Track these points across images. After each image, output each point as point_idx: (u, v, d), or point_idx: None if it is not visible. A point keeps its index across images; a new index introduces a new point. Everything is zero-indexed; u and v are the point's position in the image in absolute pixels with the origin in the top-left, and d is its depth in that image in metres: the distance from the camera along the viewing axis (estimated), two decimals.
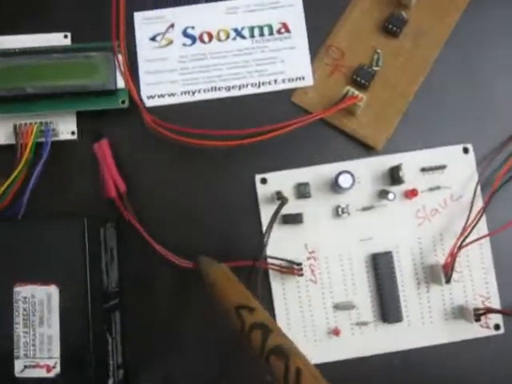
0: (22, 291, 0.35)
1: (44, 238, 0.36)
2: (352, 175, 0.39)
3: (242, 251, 0.40)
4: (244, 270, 0.38)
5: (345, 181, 0.39)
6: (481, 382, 0.41)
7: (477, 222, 0.39)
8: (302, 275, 0.40)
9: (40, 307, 0.35)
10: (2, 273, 0.35)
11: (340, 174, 0.39)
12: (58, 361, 0.35)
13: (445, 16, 0.42)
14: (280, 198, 0.39)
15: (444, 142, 0.42)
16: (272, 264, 0.39)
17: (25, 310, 0.35)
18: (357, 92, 0.39)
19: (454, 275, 0.40)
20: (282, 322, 0.41)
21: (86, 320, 0.35)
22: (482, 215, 0.40)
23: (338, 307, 0.41)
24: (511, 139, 0.42)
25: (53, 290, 0.35)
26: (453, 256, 0.39)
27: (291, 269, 0.39)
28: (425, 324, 0.41)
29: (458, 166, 0.42)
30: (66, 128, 0.42)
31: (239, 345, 0.30)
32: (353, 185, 0.39)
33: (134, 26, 0.43)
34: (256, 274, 0.37)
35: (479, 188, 0.41)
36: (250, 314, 0.30)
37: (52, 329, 0.35)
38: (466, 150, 0.42)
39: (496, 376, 0.40)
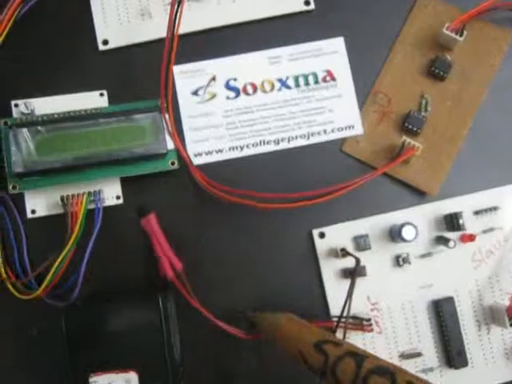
0: (99, 381, 0.33)
1: (118, 320, 0.34)
2: (415, 227, 0.39)
3: (305, 310, 0.39)
4: None
5: (408, 233, 0.39)
6: None
7: None
8: (371, 331, 0.39)
9: None
10: (76, 362, 0.33)
11: (403, 226, 0.39)
12: None
13: (488, 58, 0.42)
14: (345, 255, 0.38)
15: (495, 182, 0.42)
16: (343, 323, 0.39)
17: None
18: (413, 142, 0.39)
19: None
20: None
21: None
22: None
23: (403, 356, 0.41)
24: None
25: (131, 376, 0.34)
26: None
27: (361, 325, 0.39)
28: (488, 365, 0.41)
29: (510, 206, 0.42)
30: (111, 193, 0.40)
31: (320, 381, 0.30)
32: (416, 236, 0.39)
33: (173, 81, 0.41)
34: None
35: None
36: (336, 347, 0.29)
37: None
38: None
39: None
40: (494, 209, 0.42)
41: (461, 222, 0.40)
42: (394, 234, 0.39)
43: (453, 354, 0.41)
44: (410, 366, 0.41)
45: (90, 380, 0.34)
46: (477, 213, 0.42)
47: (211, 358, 0.40)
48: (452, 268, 0.41)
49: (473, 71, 0.42)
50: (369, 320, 0.39)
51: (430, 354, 0.41)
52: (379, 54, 0.43)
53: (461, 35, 0.41)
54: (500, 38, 0.43)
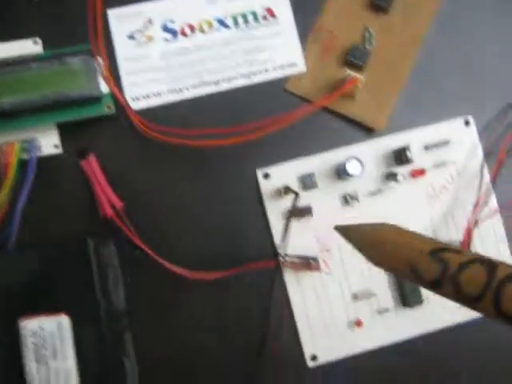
0: (29, 325, 0.32)
1: (45, 266, 0.33)
2: (360, 161, 0.37)
3: (251, 251, 0.38)
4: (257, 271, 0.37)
5: (353, 168, 0.37)
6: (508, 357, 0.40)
7: (487, 195, 0.38)
8: (318, 269, 0.38)
9: (51, 339, 0.32)
10: (4, 309, 0.32)
11: (347, 161, 0.37)
12: None
13: None
14: (288, 192, 0.37)
15: (444, 116, 0.41)
16: (289, 262, 0.37)
17: (35, 344, 0.32)
18: (355, 74, 0.38)
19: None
20: (301, 319, 0.39)
21: (101, 346, 0.33)
22: (491, 187, 0.39)
23: (356, 297, 0.39)
24: (511, 107, 0.41)
25: (63, 319, 0.32)
26: (469, 232, 0.38)
27: (308, 265, 0.38)
28: (444, 303, 0.39)
29: (461, 140, 0.41)
30: (48, 141, 0.39)
31: (436, 292, 0.26)
32: (362, 171, 0.37)
33: (108, 25, 0.40)
34: (277, 274, 0.35)
35: (485, 160, 0.40)
36: (458, 254, 0.26)
37: (67, 361, 0.32)
38: (467, 123, 0.41)
39: None
40: (445, 143, 0.40)
41: (408, 155, 0.38)
42: (340, 171, 0.38)
43: (407, 293, 0.39)
44: (364, 307, 0.39)
45: (21, 324, 0.32)
46: (427, 147, 0.40)
47: (159, 303, 0.38)
48: (404, 205, 0.40)
49: (416, 2, 0.41)
50: (315, 259, 0.38)
51: (385, 294, 0.40)
52: None
53: None
54: None
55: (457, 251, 0.26)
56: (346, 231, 0.35)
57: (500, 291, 0.24)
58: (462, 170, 0.40)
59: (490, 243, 0.40)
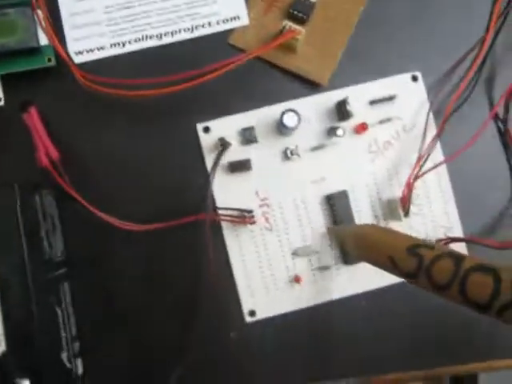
0: None
1: None
2: (297, 113, 0.37)
3: (191, 205, 0.38)
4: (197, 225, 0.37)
5: (290, 120, 0.37)
6: (450, 316, 0.39)
7: (431, 150, 0.38)
8: (254, 223, 0.38)
9: None
10: None
11: (284, 113, 0.37)
12: (3, 338, 0.33)
13: None
14: (223, 145, 0.36)
15: (392, 71, 0.40)
16: (222, 215, 0.37)
17: None
18: (294, 26, 0.37)
19: (413, 208, 0.39)
20: (239, 274, 0.39)
21: (27, 292, 0.33)
22: (435, 143, 0.38)
23: (296, 253, 0.39)
24: (459, 64, 0.40)
25: None
26: (409, 187, 0.37)
27: (242, 218, 0.37)
28: None
29: (408, 96, 0.40)
30: None
31: (413, 284, 0.30)
32: (299, 123, 0.37)
33: None
34: (204, 227, 0.35)
35: (431, 116, 0.39)
36: (431, 250, 0.29)
37: None
38: (414, 78, 0.40)
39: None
40: (391, 98, 0.39)
41: (348, 107, 0.37)
42: (279, 124, 0.37)
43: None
44: (305, 264, 0.39)
45: None
46: (372, 102, 0.39)
47: (98, 254, 0.39)
48: (347, 161, 0.39)
49: None
50: (250, 212, 0.37)
51: (325, 250, 0.39)
52: None
53: None
54: None
55: (430, 247, 0.30)
56: (333, 232, 0.38)
57: (465, 280, 0.27)
58: (409, 126, 0.40)
59: (436, 200, 0.39)
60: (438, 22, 0.41)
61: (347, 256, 0.38)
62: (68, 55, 0.38)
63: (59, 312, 0.36)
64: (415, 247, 0.31)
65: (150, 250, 0.39)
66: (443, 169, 0.39)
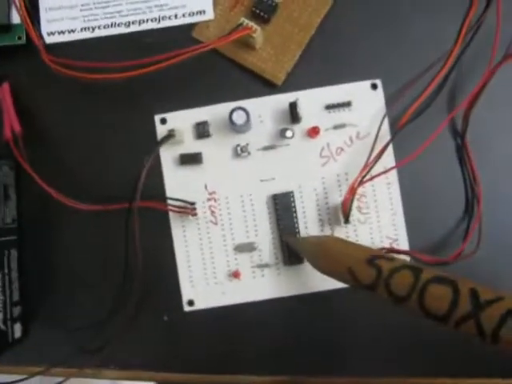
0: None
1: None
2: (246, 112, 0.37)
3: (144, 194, 0.39)
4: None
5: (238, 118, 0.37)
6: (381, 326, 0.39)
7: (379, 157, 0.38)
8: (195, 215, 0.39)
9: None
10: None
11: (234, 110, 0.37)
12: None
13: None
14: (169, 136, 0.37)
15: (352, 78, 0.40)
16: (169, 205, 0.38)
17: None
18: (251, 23, 0.37)
19: (360, 217, 0.39)
20: (182, 264, 0.40)
21: None
22: (384, 150, 0.38)
23: (238, 249, 0.40)
24: (422, 76, 0.39)
25: None
26: (352, 192, 0.37)
27: (185, 209, 0.38)
28: None
29: (366, 103, 0.40)
30: None
31: (371, 294, 0.30)
32: (247, 122, 0.37)
33: None
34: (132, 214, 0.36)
35: (387, 125, 0.39)
36: (390, 262, 0.30)
37: None
38: (374, 86, 0.40)
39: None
40: (347, 104, 0.40)
41: (298, 110, 0.38)
42: (230, 121, 0.38)
43: (287, 250, 0.39)
44: (246, 261, 0.40)
45: None
46: (328, 107, 0.40)
47: (48, 227, 0.41)
48: (297, 163, 0.40)
49: None
50: (193, 204, 0.38)
51: (267, 249, 0.40)
52: None
53: None
54: None
55: (389, 259, 0.30)
56: (294, 241, 0.38)
57: (424, 291, 0.27)
58: (363, 133, 0.40)
59: (385, 211, 0.39)
60: (405, 31, 0.40)
61: (288, 257, 0.39)
62: (38, 35, 0.40)
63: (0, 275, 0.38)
64: (374, 258, 0.31)
65: (97, 231, 0.40)
66: (394, 179, 0.39)
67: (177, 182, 0.40)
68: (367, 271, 0.30)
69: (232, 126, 0.38)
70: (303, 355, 0.40)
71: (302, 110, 0.39)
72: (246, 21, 0.38)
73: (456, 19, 0.40)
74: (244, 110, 0.37)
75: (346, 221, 0.38)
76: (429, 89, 0.39)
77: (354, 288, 0.32)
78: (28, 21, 0.40)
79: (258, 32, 0.37)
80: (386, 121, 0.40)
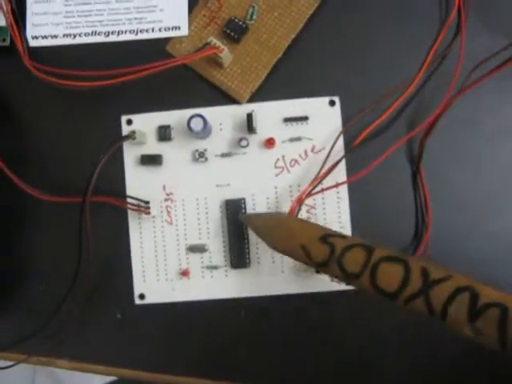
0: None
1: None
2: (204, 119, 0.40)
3: (103, 190, 0.41)
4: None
5: (196, 124, 0.40)
6: (330, 337, 0.40)
7: (329, 172, 0.39)
8: (149, 214, 0.41)
9: None
10: None
11: (192, 117, 0.40)
12: None
13: None
14: (128, 136, 0.40)
15: (311, 93, 0.42)
16: (124, 202, 0.40)
17: None
18: (219, 43, 0.40)
19: None
20: (136, 259, 0.42)
21: None
22: (335, 166, 0.40)
23: (190, 249, 0.41)
24: (382, 99, 0.41)
25: None
26: (299, 202, 0.39)
27: (140, 207, 0.40)
28: (276, 273, 0.41)
29: (323, 119, 0.42)
30: None
31: (322, 272, 0.32)
32: (204, 129, 0.40)
33: None
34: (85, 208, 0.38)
35: (342, 142, 0.41)
36: (343, 239, 0.31)
37: None
38: (332, 103, 0.42)
39: (345, 332, 0.41)
40: (304, 118, 0.42)
41: (254, 122, 0.40)
42: (188, 127, 0.40)
43: (233, 254, 0.41)
44: (197, 261, 0.42)
45: None
46: (286, 120, 0.42)
47: (13, 220, 0.43)
48: (252, 171, 0.42)
49: None
50: (147, 203, 0.41)
51: (217, 252, 0.42)
52: None
53: None
54: None
55: (342, 237, 0.31)
56: (248, 219, 0.40)
57: (376, 269, 0.29)
58: (318, 148, 0.42)
59: (333, 224, 0.41)
60: (371, 54, 0.42)
61: (235, 261, 0.41)
62: (21, 39, 0.43)
63: None
64: (327, 236, 0.32)
65: (57, 222, 0.42)
66: (345, 195, 0.41)
67: (137, 181, 0.42)
68: (320, 248, 0.31)
69: (191, 133, 0.40)
70: (248, 362, 0.41)
71: (259, 121, 0.41)
72: (214, 40, 0.40)
73: (423, 46, 0.42)
74: (202, 117, 0.39)
75: None
76: (387, 112, 0.41)
77: (307, 265, 0.33)
78: (13, 24, 0.43)
79: (224, 52, 0.40)
80: (342, 138, 0.41)
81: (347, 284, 0.31)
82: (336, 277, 0.31)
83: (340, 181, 0.41)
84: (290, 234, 0.34)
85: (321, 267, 0.32)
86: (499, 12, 0.42)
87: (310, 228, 0.34)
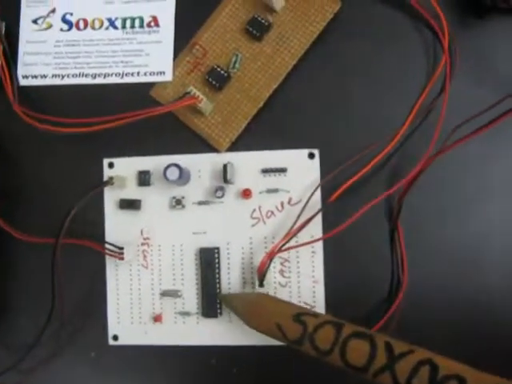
0: None
1: None
2: (180, 168, 0.40)
3: (82, 232, 0.42)
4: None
5: (171, 174, 0.40)
6: None
7: (301, 228, 0.40)
8: (122, 259, 0.41)
9: None
10: None
11: (168, 167, 0.40)
12: None
13: (310, 25, 0.42)
14: (106, 182, 0.41)
15: (290, 145, 0.42)
16: (99, 245, 0.41)
17: None
18: (198, 93, 0.40)
19: (281, 280, 0.41)
20: (111, 300, 0.43)
21: None
22: (309, 221, 0.40)
23: (164, 294, 0.42)
24: (363, 154, 0.41)
25: None
26: (270, 257, 0.39)
27: (113, 252, 0.41)
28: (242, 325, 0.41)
29: (301, 171, 0.42)
30: None
31: (299, 349, 0.33)
32: (179, 178, 0.40)
33: (20, 8, 0.46)
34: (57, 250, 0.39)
35: (319, 195, 0.41)
36: (315, 318, 0.33)
37: None
38: (311, 156, 0.42)
39: None
40: (283, 170, 0.42)
41: (228, 174, 0.40)
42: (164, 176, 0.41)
43: (206, 303, 0.41)
44: (170, 306, 0.42)
45: None
46: (264, 171, 0.42)
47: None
48: (228, 221, 0.42)
49: (291, 36, 0.42)
50: (121, 248, 0.41)
51: (190, 298, 0.42)
52: (209, 8, 0.44)
53: None
54: (327, 5, 0.43)
55: (314, 315, 0.33)
56: (226, 299, 0.41)
57: (345, 345, 0.30)
58: (295, 200, 0.42)
59: (306, 278, 0.41)
60: (353, 109, 0.42)
61: (206, 310, 0.41)
62: (16, 77, 0.44)
63: None
64: (300, 315, 0.33)
65: (37, 263, 0.43)
66: (319, 249, 0.41)
67: (116, 224, 0.43)
68: (294, 327, 0.33)
69: (171, 181, 0.41)
70: None
71: (237, 171, 0.41)
72: (194, 90, 0.40)
73: (407, 102, 0.42)
74: (178, 166, 0.40)
75: (261, 284, 0.40)
76: (367, 167, 0.40)
77: (285, 343, 0.34)
78: (5, 67, 0.44)
79: (203, 102, 0.40)
80: (319, 191, 0.41)
81: (321, 360, 0.32)
82: (310, 354, 0.32)
83: (315, 235, 0.41)
84: (265, 312, 0.36)
85: (296, 345, 0.33)
86: (489, 68, 0.41)
87: (283, 306, 0.35)
